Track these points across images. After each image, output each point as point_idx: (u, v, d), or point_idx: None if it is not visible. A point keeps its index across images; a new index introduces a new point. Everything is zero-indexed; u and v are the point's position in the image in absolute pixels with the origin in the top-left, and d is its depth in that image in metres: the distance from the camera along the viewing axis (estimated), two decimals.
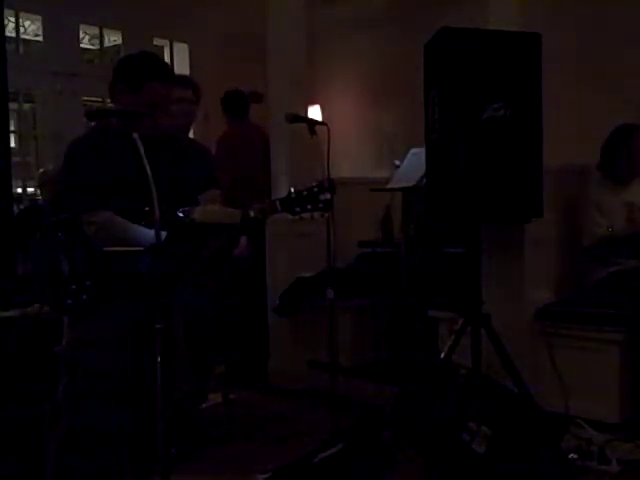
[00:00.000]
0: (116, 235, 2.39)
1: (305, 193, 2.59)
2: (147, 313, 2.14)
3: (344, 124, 5.77)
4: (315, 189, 2.59)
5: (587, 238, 3.79)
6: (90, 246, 2.40)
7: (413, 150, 4.22)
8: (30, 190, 6.09)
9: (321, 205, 2.59)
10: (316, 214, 2.64)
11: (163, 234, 2.22)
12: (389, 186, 4.35)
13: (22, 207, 5.51)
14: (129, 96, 2.50)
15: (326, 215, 2.71)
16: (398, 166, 4.42)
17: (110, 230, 2.39)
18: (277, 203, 2.59)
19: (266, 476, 2.79)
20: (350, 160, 5.75)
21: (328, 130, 2.96)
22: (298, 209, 2.59)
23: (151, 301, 2.14)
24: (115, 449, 2.46)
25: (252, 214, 2.56)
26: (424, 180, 3.61)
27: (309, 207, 2.59)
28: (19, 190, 5.95)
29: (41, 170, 5.33)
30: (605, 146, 3.84)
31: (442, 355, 3.16)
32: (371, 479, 2.68)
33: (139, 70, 2.52)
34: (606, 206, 3.77)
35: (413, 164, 4.12)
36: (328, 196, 2.61)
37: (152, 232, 2.16)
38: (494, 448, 2.63)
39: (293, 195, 2.59)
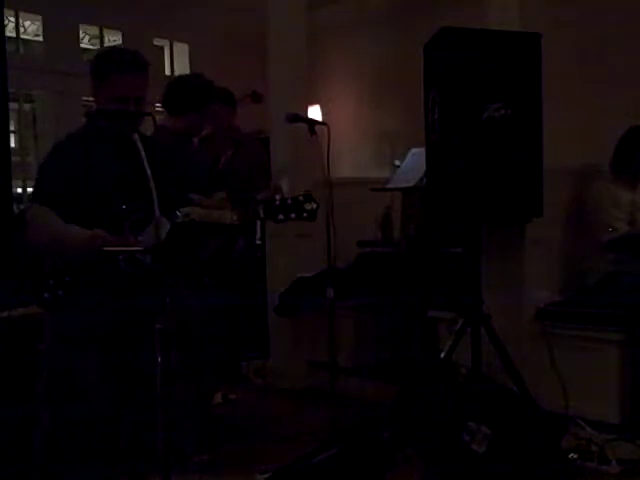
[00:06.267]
0: (43, 231, 2.35)
1: (290, 202, 2.55)
2: (134, 312, 2.12)
3: (344, 124, 5.78)
4: (300, 198, 2.55)
5: (606, 234, 3.78)
6: None
7: (413, 150, 4.21)
8: (30, 190, 6.08)
9: (305, 215, 2.55)
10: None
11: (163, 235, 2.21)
12: (389, 186, 4.35)
13: (22, 207, 5.51)
14: (100, 91, 2.49)
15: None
16: (398, 166, 4.42)
17: (35, 225, 2.36)
18: (260, 209, 2.56)
19: (266, 476, 2.79)
20: (350, 160, 5.76)
21: (328, 130, 2.96)
22: (281, 217, 2.55)
23: (139, 301, 2.12)
24: (101, 448, 2.43)
25: (234, 217, 2.53)
26: (424, 180, 3.61)
27: (292, 216, 2.55)
28: (19, 190, 5.95)
29: None
30: (618, 146, 3.86)
31: (442, 355, 3.16)
32: (371, 479, 2.68)
33: (104, 64, 2.51)
34: (617, 204, 3.79)
35: (413, 164, 4.12)
36: (314, 206, 2.56)
37: (85, 231, 2.14)
38: (494, 448, 2.63)
39: (277, 202, 2.55)
